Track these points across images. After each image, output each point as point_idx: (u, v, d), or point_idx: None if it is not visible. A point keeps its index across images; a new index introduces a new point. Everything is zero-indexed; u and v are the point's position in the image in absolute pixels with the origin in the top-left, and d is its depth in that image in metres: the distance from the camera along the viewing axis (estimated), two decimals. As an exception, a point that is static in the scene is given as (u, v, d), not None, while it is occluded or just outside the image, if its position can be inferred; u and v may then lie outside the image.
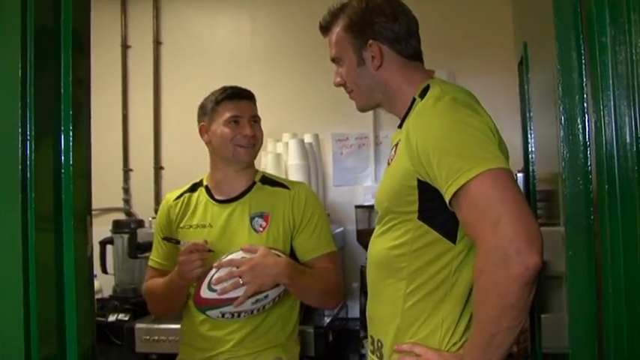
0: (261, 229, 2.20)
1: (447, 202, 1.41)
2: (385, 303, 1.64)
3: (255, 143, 2.25)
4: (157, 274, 2.31)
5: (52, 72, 1.38)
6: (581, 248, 1.33)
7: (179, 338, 2.40)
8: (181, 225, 2.28)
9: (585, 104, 1.33)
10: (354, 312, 3.71)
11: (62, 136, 1.39)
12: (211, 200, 2.28)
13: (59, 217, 1.36)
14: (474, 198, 1.35)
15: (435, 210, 1.51)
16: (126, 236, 3.53)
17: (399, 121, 1.70)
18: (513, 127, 3.30)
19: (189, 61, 4.28)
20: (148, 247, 2.80)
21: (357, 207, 3.76)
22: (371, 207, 3.65)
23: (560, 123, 1.35)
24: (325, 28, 1.75)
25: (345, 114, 3.86)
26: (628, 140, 1.23)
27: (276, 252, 2.13)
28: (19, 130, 1.27)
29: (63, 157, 1.38)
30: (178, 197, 2.35)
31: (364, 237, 3.58)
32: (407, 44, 1.67)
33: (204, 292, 2.08)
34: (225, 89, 2.27)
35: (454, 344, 1.52)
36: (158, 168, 4.32)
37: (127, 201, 4.32)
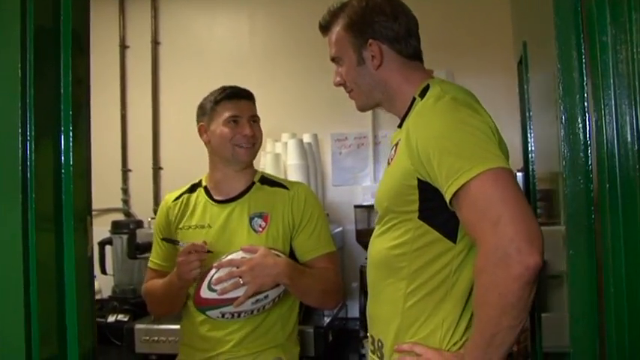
0: (260, 230, 2.20)
1: (448, 201, 1.41)
2: (385, 303, 1.64)
3: (254, 143, 2.25)
4: (156, 275, 2.31)
5: (51, 72, 1.38)
6: (582, 247, 1.33)
7: (179, 339, 2.40)
8: (180, 226, 2.28)
9: (586, 103, 1.33)
10: (354, 312, 3.71)
11: (62, 137, 1.39)
12: (210, 200, 2.28)
13: (59, 217, 1.36)
14: (475, 197, 1.35)
15: (435, 209, 1.51)
16: (125, 237, 3.52)
17: (398, 121, 1.70)
18: (512, 127, 3.30)
19: (188, 62, 4.28)
20: (147, 247, 2.79)
21: (356, 207, 3.76)
22: (370, 207, 3.65)
23: (561, 122, 1.35)
24: (325, 28, 1.75)
25: (344, 114, 3.86)
26: (629, 139, 1.23)
27: (276, 252, 2.13)
28: (19, 130, 1.27)
29: (63, 157, 1.38)
30: (177, 198, 2.34)
31: (363, 237, 3.58)
32: (407, 44, 1.67)
33: (205, 293, 2.07)
34: (224, 89, 2.27)
35: (455, 344, 1.52)
36: (157, 168, 4.32)
37: (125, 201, 4.32)
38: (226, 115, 2.21)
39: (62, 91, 1.39)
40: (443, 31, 3.74)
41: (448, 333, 1.53)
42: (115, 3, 4.35)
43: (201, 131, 2.28)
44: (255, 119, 2.27)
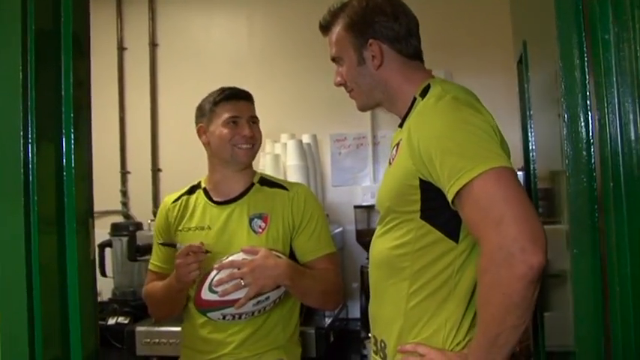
0: (260, 230, 2.20)
1: (450, 201, 1.41)
2: (388, 303, 1.64)
3: (254, 144, 2.24)
4: (156, 278, 2.30)
5: (52, 75, 1.38)
6: (586, 246, 1.32)
7: (180, 341, 2.39)
8: (180, 228, 2.28)
9: (588, 102, 1.33)
10: (355, 312, 3.70)
11: (63, 139, 1.39)
12: (209, 202, 2.27)
13: (62, 220, 1.36)
14: (477, 197, 1.35)
15: (437, 209, 1.51)
16: (125, 239, 3.52)
17: (397, 121, 1.70)
18: (512, 126, 3.29)
19: (186, 63, 4.27)
20: (147, 249, 2.79)
21: (356, 207, 3.76)
22: (370, 207, 3.66)
23: (564, 121, 1.35)
24: (325, 28, 1.75)
25: (343, 114, 3.87)
26: (633, 137, 1.23)
27: (277, 253, 2.13)
28: (21, 133, 1.27)
29: (65, 160, 1.38)
30: (176, 200, 2.34)
31: (363, 237, 3.59)
32: (407, 44, 1.67)
33: (206, 294, 2.07)
34: (223, 90, 2.27)
35: (458, 344, 1.52)
36: (156, 170, 4.31)
37: (124, 204, 4.31)
38: (225, 116, 2.21)
39: (63, 93, 1.40)
40: (441, 31, 3.74)
41: (451, 333, 1.53)
42: (113, 5, 4.34)
43: (200, 132, 2.28)
44: (254, 120, 2.27)
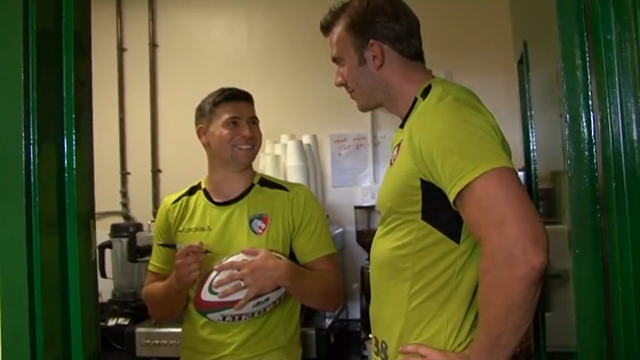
0: (260, 231, 2.19)
1: (452, 201, 1.41)
2: (389, 304, 1.64)
3: (254, 144, 2.24)
4: (156, 279, 2.30)
5: (54, 75, 1.38)
6: (588, 246, 1.33)
7: (180, 342, 2.39)
8: (180, 228, 2.27)
9: (590, 102, 1.33)
10: (355, 313, 3.70)
11: (65, 140, 1.39)
12: (210, 203, 2.27)
13: (63, 221, 1.36)
14: (479, 197, 1.35)
15: (439, 210, 1.51)
16: (124, 240, 3.52)
17: (397, 122, 1.70)
18: (512, 127, 3.29)
19: (186, 64, 4.27)
20: (147, 250, 2.79)
21: (356, 208, 3.76)
22: (370, 207, 3.65)
23: (566, 121, 1.35)
24: (326, 28, 1.75)
25: (343, 114, 3.87)
26: (635, 137, 1.23)
27: (277, 254, 2.12)
28: (23, 134, 1.27)
29: (66, 161, 1.38)
30: (176, 201, 2.34)
31: (364, 238, 3.58)
32: (408, 44, 1.67)
33: (205, 295, 2.07)
34: (222, 91, 2.27)
35: (459, 344, 1.52)
36: (156, 171, 4.30)
37: (124, 204, 4.30)
38: (225, 116, 2.21)
39: (65, 94, 1.39)
40: (441, 31, 3.74)
41: (453, 334, 1.53)
42: (113, 6, 4.34)
43: (200, 133, 2.28)
44: (254, 121, 2.27)
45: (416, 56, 1.69)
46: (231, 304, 2.04)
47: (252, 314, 2.09)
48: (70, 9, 1.41)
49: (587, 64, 1.33)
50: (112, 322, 3.34)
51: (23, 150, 1.27)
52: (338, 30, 1.71)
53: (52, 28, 1.39)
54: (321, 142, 3.96)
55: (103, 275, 3.54)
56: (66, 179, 1.37)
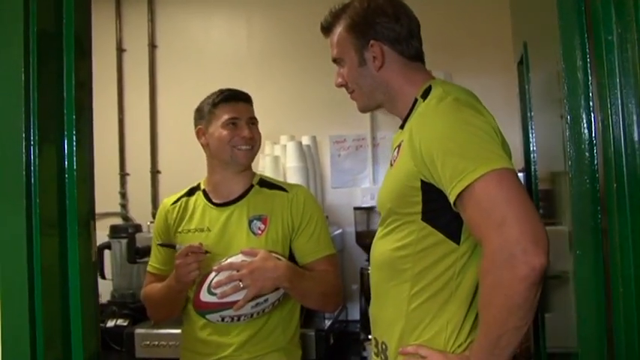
0: (259, 232, 2.19)
1: (452, 202, 1.41)
2: (389, 305, 1.63)
3: (253, 145, 2.24)
4: (155, 280, 2.30)
5: (54, 75, 1.38)
6: (588, 247, 1.33)
7: (179, 343, 2.38)
8: (179, 229, 2.27)
9: (591, 103, 1.33)
10: (354, 314, 3.69)
11: (65, 140, 1.38)
12: (209, 204, 2.27)
13: (63, 222, 1.36)
14: (479, 198, 1.34)
15: (439, 211, 1.51)
16: (124, 241, 3.51)
17: (396, 123, 1.70)
18: (512, 127, 3.29)
19: (185, 65, 4.27)
20: (147, 251, 2.78)
21: (355, 209, 3.76)
22: (369, 208, 3.65)
23: (566, 122, 1.35)
24: (327, 29, 1.75)
25: (342, 115, 3.87)
26: (636, 138, 1.23)
27: (276, 255, 2.12)
28: (23, 135, 1.27)
29: (67, 162, 1.38)
30: (176, 202, 2.33)
31: (363, 239, 3.58)
32: (408, 45, 1.67)
33: (204, 296, 2.06)
34: (222, 92, 2.26)
35: (459, 345, 1.52)
36: (155, 172, 4.31)
37: (124, 205, 4.30)
38: (225, 117, 2.20)
39: (65, 94, 1.39)
40: (441, 32, 3.74)
41: (453, 335, 1.53)
42: (112, 6, 4.34)
43: (199, 134, 2.27)
44: (253, 121, 2.27)
45: (416, 57, 1.69)
46: (230, 305, 2.03)
47: (251, 315, 2.09)
48: (70, 10, 1.41)
49: (588, 65, 1.33)
50: (111, 324, 3.33)
51: (24, 151, 1.27)
52: (338, 31, 1.70)
53: (53, 28, 1.39)
54: (320, 143, 3.96)
55: (102, 276, 3.53)
56: (66, 180, 1.37)
